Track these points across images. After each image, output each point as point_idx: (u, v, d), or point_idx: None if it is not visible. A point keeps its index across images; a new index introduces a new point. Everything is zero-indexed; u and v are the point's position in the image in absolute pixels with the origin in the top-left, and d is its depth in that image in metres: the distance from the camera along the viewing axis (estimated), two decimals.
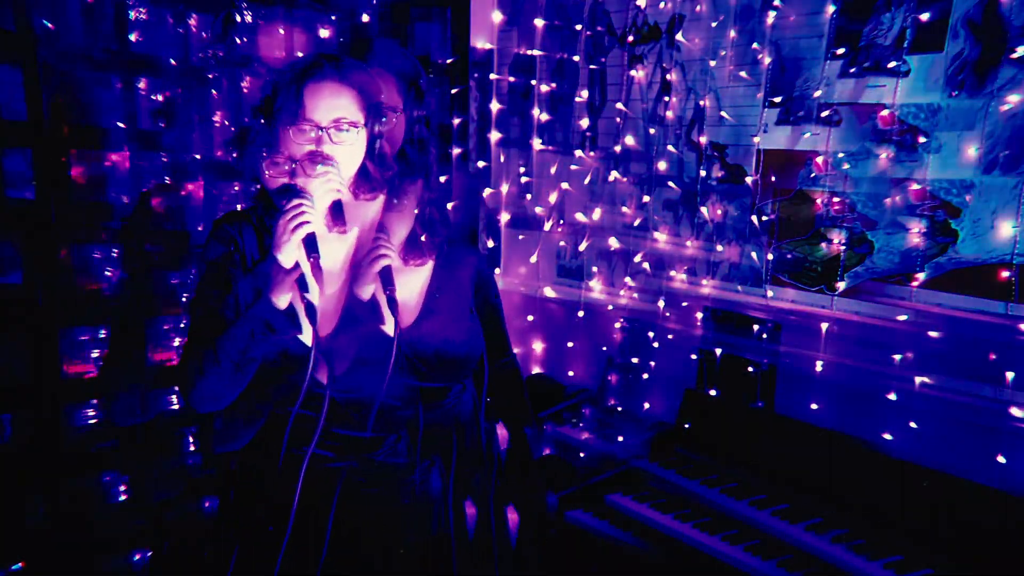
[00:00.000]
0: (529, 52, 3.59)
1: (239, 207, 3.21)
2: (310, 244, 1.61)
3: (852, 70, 2.60)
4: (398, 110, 1.79)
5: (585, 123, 3.42)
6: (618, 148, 3.30)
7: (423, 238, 1.83)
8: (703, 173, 3.04)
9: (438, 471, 1.85)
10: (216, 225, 1.78)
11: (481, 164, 3.75)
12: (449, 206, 3.55)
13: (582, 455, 3.14)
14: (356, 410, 1.74)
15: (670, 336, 3.18)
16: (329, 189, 1.66)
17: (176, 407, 3.09)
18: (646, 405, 3.26)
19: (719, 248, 3.02)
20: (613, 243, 3.34)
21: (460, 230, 3.49)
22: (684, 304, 3.13)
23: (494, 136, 3.73)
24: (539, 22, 3.52)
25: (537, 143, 3.60)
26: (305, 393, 1.68)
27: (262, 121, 1.72)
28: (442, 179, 3.55)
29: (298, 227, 1.60)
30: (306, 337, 1.68)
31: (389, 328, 1.74)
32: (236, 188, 3.18)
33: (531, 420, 2.11)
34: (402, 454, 1.80)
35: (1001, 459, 2.33)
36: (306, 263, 1.62)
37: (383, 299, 1.73)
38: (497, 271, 3.85)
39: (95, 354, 2.92)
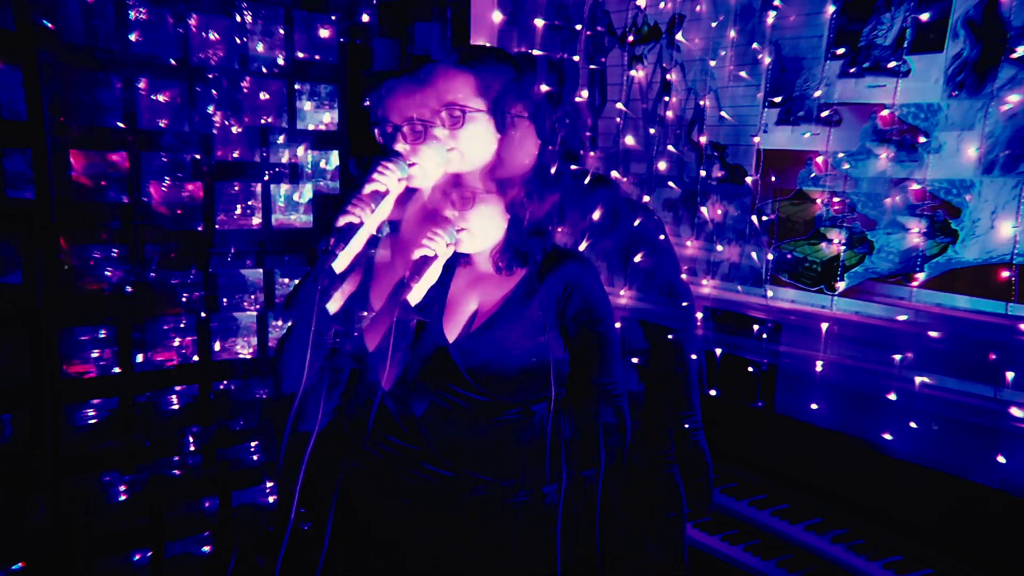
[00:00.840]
0: (529, 52, 3.59)
1: (238, 208, 3.22)
2: (346, 233, 1.57)
3: (852, 70, 2.60)
4: (520, 101, 1.76)
5: None
6: (618, 148, 3.29)
7: (519, 247, 1.74)
8: (703, 173, 3.04)
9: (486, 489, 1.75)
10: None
11: None
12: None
13: None
14: (405, 419, 1.74)
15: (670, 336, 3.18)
16: (379, 186, 1.63)
17: (176, 407, 3.09)
18: None
19: (719, 248, 3.02)
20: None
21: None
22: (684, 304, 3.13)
23: None
24: (539, 22, 3.51)
25: None
26: (367, 398, 1.71)
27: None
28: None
29: (339, 223, 1.58)
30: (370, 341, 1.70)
31: (451, 333, 1.73)
32: (236, 188, 3.18)
33: (607, 462, 1.84)
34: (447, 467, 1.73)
35: (1001, 459, 2.33)
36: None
37: (463, 309, 1.74)
38: None
39: (95, 354, 2.92)
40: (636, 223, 2.04)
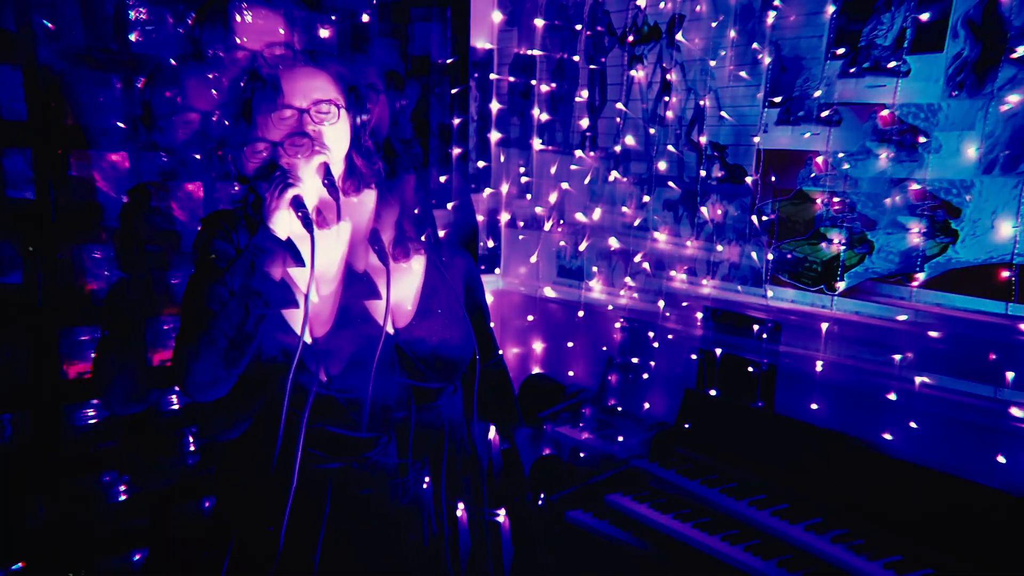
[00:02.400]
0: (529, 52, 3.59)
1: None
2: (297, 204, 1.63)
3: (852, 70, 2.60)
4: (379, 91, 1.80)
5: (585, 123, 3.42)
6: (618, 148, 3.30)
7: (411, 235, 1.85)
8: (703, 173, 3.04)
9: (429, 473, 1.87)
10: (207, 221, 1.77)
11: (481, 164, 3.75)
12: (449, 206, 3.55)
13: (582, 455, 3.14)
14: (352, 409, 1.74)
15: (670, 336, 3.18)
16: (313, 163, 1.66)
17: (176, 407, 3.09)
18: (646, 405, 3.26)
19: (719, 248, 3.02)
20: (613, 243, 3.34)
21: (460, 230, 3.49)
22: (684, 304, 3.13)
23: (494, 136, 3.73)
24: (539, 22, 3.52)
25: (537, 143, 3.60)
26: (298, 392, 1.67)
27: (239, 117, 1.72)
28: (442, 179, 3.55)
29: (285, 189, 1.62)
30: (296, 324, 1.67)
31: (387, 327, 1.75)
32: (236, 188, 3.17)
33: (519, 420, 2.15)
34: (393, 455, 1.81)
35: (1001, 459, 2.33)
36: (297, 224, 1.63)
37: (378, 303, 1.74)
38: (497, 271, 3.85)
39: (95, 354, 2.92)
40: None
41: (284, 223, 1.63)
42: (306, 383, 1.69)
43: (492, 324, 2.13)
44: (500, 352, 2.15)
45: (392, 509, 1.81)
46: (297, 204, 1.62)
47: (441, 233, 2.15)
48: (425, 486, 1.87)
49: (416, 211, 1.87)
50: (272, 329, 1.66)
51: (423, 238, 1.89)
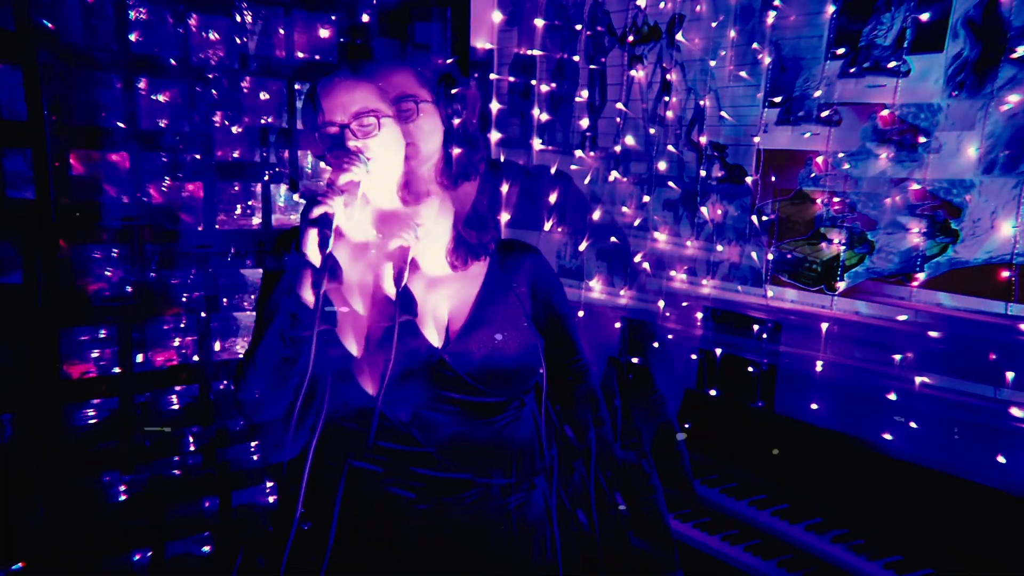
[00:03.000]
0: (529, 52, 3.59)
1: (238, 208, 3.22)
2: (323, 222, 1.52)
3: (852, 70, 2.60)
4: (427, 100, 1.70)
5: (585, 123, 3.41)
6: (618, 148, 3.30)
7: (472, 240, 1.74)
8: (703, 173, 3.04)
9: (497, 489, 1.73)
10: (276, 239, 1.73)
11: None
12: None
13: None
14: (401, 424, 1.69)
15: (670, 336, 3.18)
16: (353, 176, 1.58)
17: (177, 407, 3.09)
18: None
19: (719, 248, 3.02)
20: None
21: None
22: (684, 304, 3.13)
23: (494, 136, 3.73)
24: (539, 22, 3.52)
25: (537, 143, 3.60)
26: (354, 406, 1.63)
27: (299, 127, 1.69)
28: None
29: (311, 208, 1.52)
30: (347, 342, 1.63)
31: (432, 339, 1.68)
32: (236, 188, 3.18)
33: (597, 432, 1.90)
34: (451, 469, 1.70)
35: (1001, 459, 2.33)
36: (315, 250, 1.53)
37: (431, 314, 1.68)
38: None
39: (95, 354, 2.92)
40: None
41: (316, 247, 1.53)
42: (357, 397, 1.63)
43: (575, 328, 1.92)
44: (586, 360, 1.94)
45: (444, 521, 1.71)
46: (323, 222, 1.52)
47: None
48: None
49: (477, 212, 1.75)
50: (324, 347, 1.60)
51: (485, 242, 1.76)
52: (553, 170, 3.55)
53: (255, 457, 3.22)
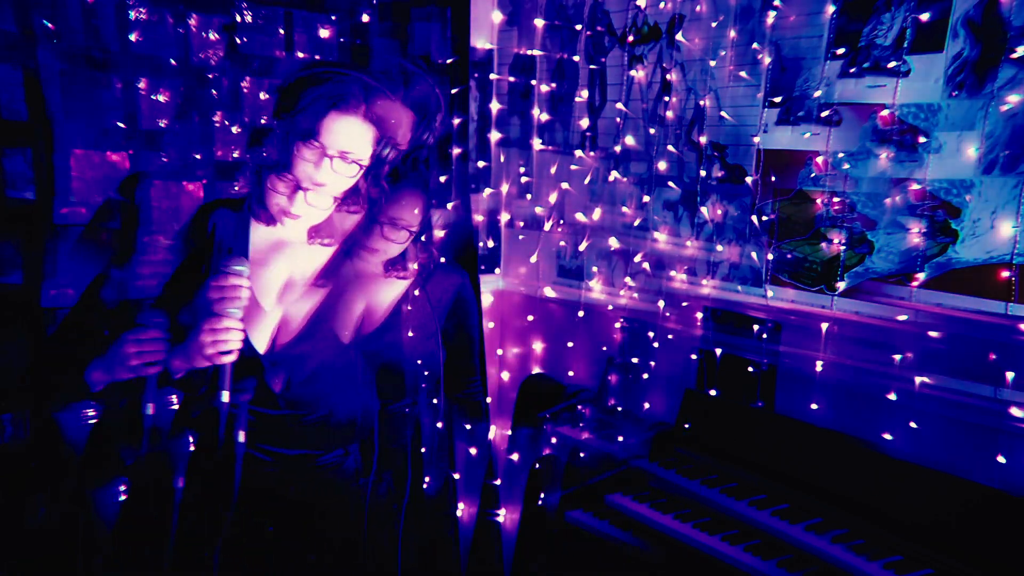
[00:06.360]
0: (529, 52, 3.59)
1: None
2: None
3: (852, 70, 2.60)
4: (404, 145, 1.79)
5: (585, 123, 3.42)
6: (618, 148, 3.30)
7: (410, 256, 1.86)
8: (703, 173, 3.04)
9: (386, 484, 1.87)
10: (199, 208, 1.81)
11: (481, 164, 3.75)
12: (449, 206, 3.55)
13: (582, 455, 3.14)
14: (309, 418, 1.76)
15: (670, 336, 3.18)
16: (313, 219, 1.71)
17: (176, 407, 3.08)
18: (646, 405, 3.26)
19: (719, 248, 3.02)
20: (613, 243, 3.34)
21: (456, 233, 3.49)
22: (684, 304, 3.13)
23: (494, 136, 3.73)
24: (539, 22, 3.52)
25: (537, 143, 3.60)
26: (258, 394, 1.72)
27: (283, 113, 1.71)
28: (442, 179, 3.55)
29: (222, 355, 1.60)
30: (255, 336, 1.70)
31: (340, 334, 1.77)
32: (236, 188, 3.18)
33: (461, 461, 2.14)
34: (349, 470, 1.83)
35: (1001, 459, 2.33)
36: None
37: (350, 314, 1.77)
38: (497, 271, 3.85)
39: None
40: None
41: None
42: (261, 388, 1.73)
43: (479, 352, 2.10)
44: (480, 382, 2.10)
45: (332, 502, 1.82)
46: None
47: (440, 233, 2.13)
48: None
49: (417, 231, 1.87)
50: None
51: (420, 259, 1.89)
52: (553, 170, 3.55)
53: None
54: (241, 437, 1.70)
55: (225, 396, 1.60)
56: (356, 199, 1.76)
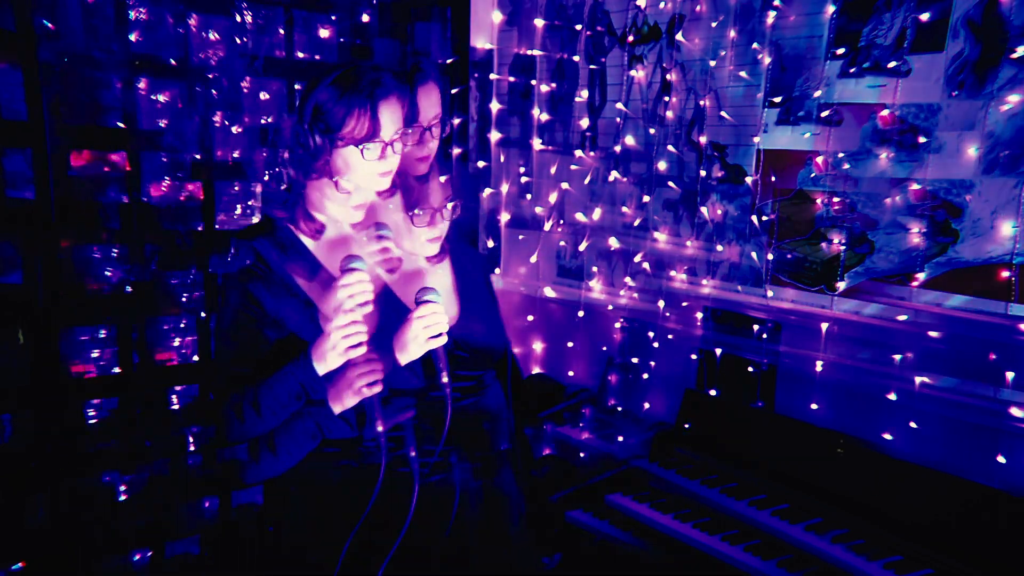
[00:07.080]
0: (529, 52, 3.59)
1: (238, 208, 3.21)
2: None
3: (852, 70, 2.60)
4: (441, 114, 1.93)
5: (585, 123, 3.41)
6: (618, 148, 3.30)
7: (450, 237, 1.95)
8: (703, 173, 3.04)
9: (458, 462, 1.86)
10: (236, 244, 1.83)
11: (481, 164, 3.75)
12: (449, 206, 3.54)
13: (582, 455, 3.14)
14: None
15: (670, 336, 3.18)
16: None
17: (176, 407, 3.09)
18: (646, 405, 3.26)
19: (719, 248, 3.02)
20: (613, 243, 3.34)
21: (461, 229, 3.51)
22: (684, 304, 3.13)
23: (494, 136, 3.73)
24: (539, 22, 3.52)
25: (537, 143, 3.60)
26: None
27: (305, 127, 1.71)
28: (442, 179, 3.55)
29: (354, 347, 1.66)
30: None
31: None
32: (236, 188, 3.17)
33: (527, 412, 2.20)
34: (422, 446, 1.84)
35: (1001, 459, 2.33)
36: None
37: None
38: (497, 271, 3.85)
39: (95, 354, 2.92)
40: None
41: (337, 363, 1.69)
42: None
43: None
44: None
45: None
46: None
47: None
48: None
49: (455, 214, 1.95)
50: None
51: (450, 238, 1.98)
52: (553, 170, 3.55)
53: None
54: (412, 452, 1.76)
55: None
56: (426, 177, 1.88)
